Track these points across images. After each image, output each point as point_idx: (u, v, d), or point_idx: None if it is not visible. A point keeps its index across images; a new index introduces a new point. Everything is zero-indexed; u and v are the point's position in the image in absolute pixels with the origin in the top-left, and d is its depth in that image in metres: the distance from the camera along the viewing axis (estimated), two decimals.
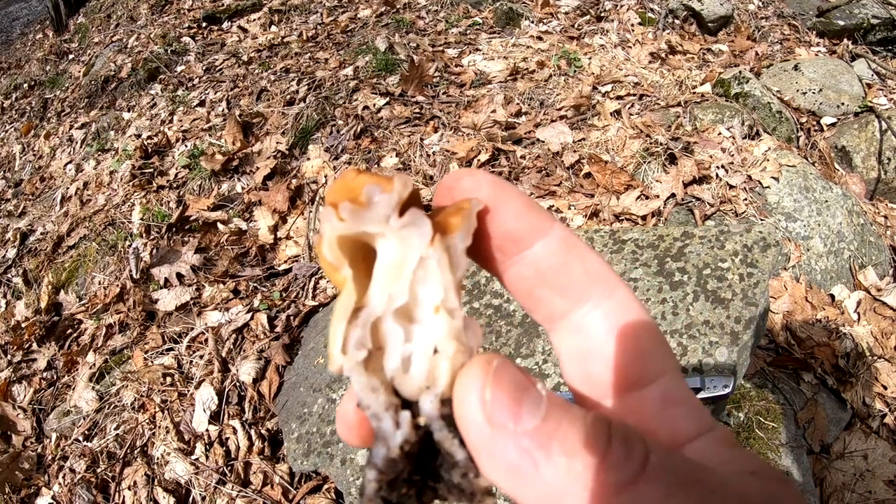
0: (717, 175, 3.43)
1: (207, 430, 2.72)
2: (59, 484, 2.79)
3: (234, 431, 2.69)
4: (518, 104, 4.03)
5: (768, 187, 3.43)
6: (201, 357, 2.99)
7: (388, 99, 4.25)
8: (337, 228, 0.39)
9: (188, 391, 2.88)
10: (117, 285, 3.47)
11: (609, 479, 0.33)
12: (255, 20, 6.13)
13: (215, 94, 4.94)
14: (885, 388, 2.95)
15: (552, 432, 0.34)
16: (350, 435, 0.43)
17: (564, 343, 0.45)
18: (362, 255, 0.42)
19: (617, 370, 0.43)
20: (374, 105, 4.21)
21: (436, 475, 0.40)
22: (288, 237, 3.49)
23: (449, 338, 0.39)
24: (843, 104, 4.27)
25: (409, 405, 0.40)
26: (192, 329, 3.14)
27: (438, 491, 0.40)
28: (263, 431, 2.69)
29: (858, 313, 3.21)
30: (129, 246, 3.60)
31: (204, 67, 5.48)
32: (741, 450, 0.42)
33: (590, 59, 4.51)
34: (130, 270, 3.48)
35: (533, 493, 0.35)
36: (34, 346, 3.48)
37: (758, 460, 0.41)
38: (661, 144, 3.53)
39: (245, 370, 2.84)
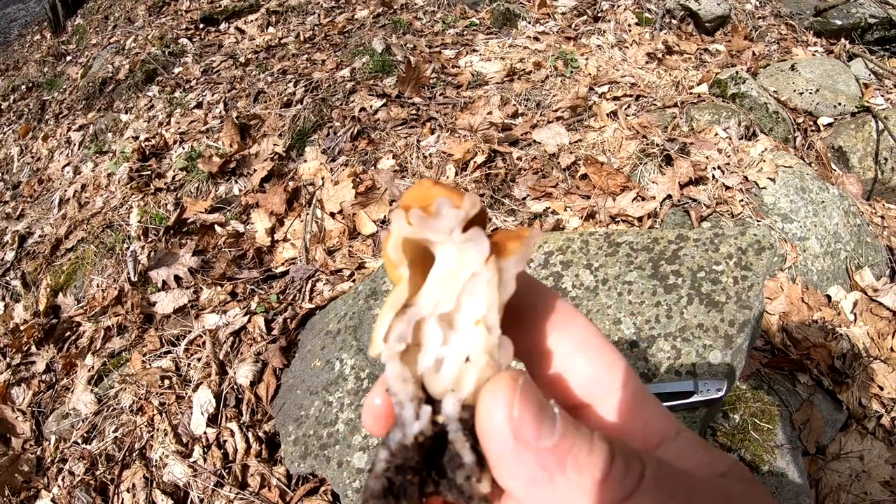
0: (713, 176, 3.44)
1: (205, 433, 2.73)
2: (59, 486, 2.79)
3: (232, 434, 2.69)
4: (515, 105, 4.03)
5: (765, 188, 3.43)
6: (199, 360, 3.00)
7: (384, 100, 4.26)
8: (404, 231, 0.42)
9: (186, 394, 2.88)
10: (115, 288, 3.47)
11: (611, 494, 0.38)
12: (252, 21, 6.12)
13: (212, 95, 4.95)
14: (882, 388, 2.95)
15: (567, 450, 0.38)
16: (375, 425, 0.47)
17: (539, 371, 0.49)
18: (421, 260, 0.45)
19: (590, 382, 0.47)
20: (371, 107, 4.21)
21: (441, 471, 0.42)
22: (285, 239, 3.50)
23: (482, 350, 0.42)
24: (839, 104, 4.27)
25: (433, 403, 0.43)
26: (190, 332, 3.15)
27: (440, 487, 0.42)
28: (261, 434, 2.69)
29: (855, 314, 3.21)
30: (127, 248, 3.61)
31: (201, 69, 5.48)
32: (713, 450, 0.46)
33: (587, 59, 4.51)
34: (128, 273, 3.49)
35: (546, 502, 0.39)
36: (33, 348, 3.48)
37: (729, 460, 0.46)
38: (658, 145, 3.53)
39: (242, 373, 2.84)
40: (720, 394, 1.85)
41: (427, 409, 0.42)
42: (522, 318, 0.48)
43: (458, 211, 0.42)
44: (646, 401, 0.47)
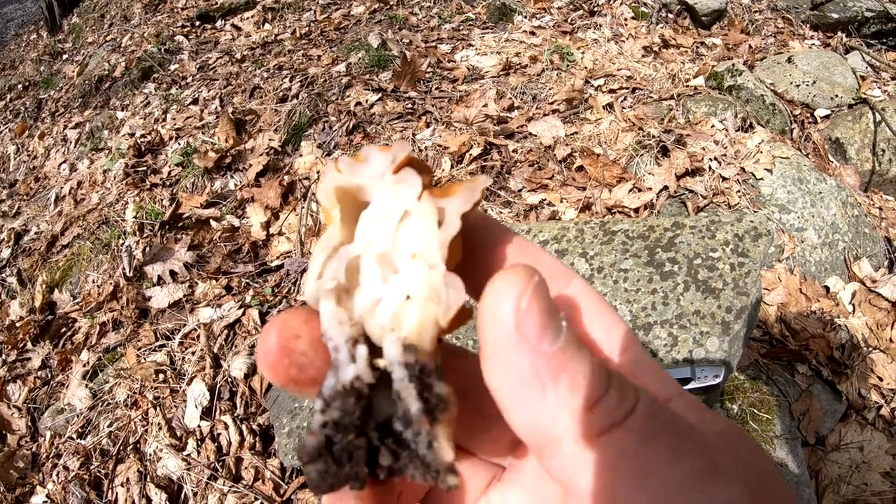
0: (710, 167, 3.43)
1: (199, 426, 2.72)
2: (54, 482, 2.79)
3: (226, 427, 2.68)
4: (510, 99, 4.02)
5: (762, 179, 3.42)
6: (193, 353, 2.98)
7: (380, 95, 4.25)
8: (335, 179, 0.41)
9: (180, 387, 2.87)
10: (111, 283, 3.46)
11: (598, 421, 0.36)
12: (248, 18, 6.12)
13: (209, 92, 4.94)
14: (881, 379, 2.94)
15: (565, 363, 0.36)
16: (272, 372, 0.41)
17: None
18: (359, 214, 0.43)
19: (590, 344, 0.44)
20: (367, 101, 4.20)
21: (398, 438, 0.39)
22: (280, 233, 3.49)
23: (423, 285, 0.39)
24: (836, 96, 4.26)
25: (374, 349, 0.40)
26: (185, 326, 3.14)
27: (399, 461, 0.39)
28: (255, 426, 2.68)
29: (853, 305, 3.20)
30: (123, 244, 3.60)
31: (197, 66, 5.48)
32: (710, 412, 0.43)
33: (583, 53, 4.51)
34: (124, 268, 3.48)
35: (529, 411, 0.36)
36: (29, 345, 3.47)
37: (725, 421, 0.43)
38: (654, 137, 3.52)
39: (237, 366, 2.83)
40: (718, 380, 1.84)
41: (363, 349, 0.39)
42: (479, 261, 0.46)
43: (386, 154, 0.41)
44: (649, 367, 0.45)
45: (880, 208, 3.86)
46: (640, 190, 3.29)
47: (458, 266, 0.41)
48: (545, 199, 3.27)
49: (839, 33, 5.13)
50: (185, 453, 2.65)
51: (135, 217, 3.73)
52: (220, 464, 2.58)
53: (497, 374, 0.37)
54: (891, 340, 3.06)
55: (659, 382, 0.44)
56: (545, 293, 0.37)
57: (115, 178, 4.25)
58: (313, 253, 0.42)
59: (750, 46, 4.93)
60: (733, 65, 4.22)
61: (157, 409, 2.82)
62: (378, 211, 0.41)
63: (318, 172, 3.70)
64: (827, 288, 3.25)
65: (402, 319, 0.39)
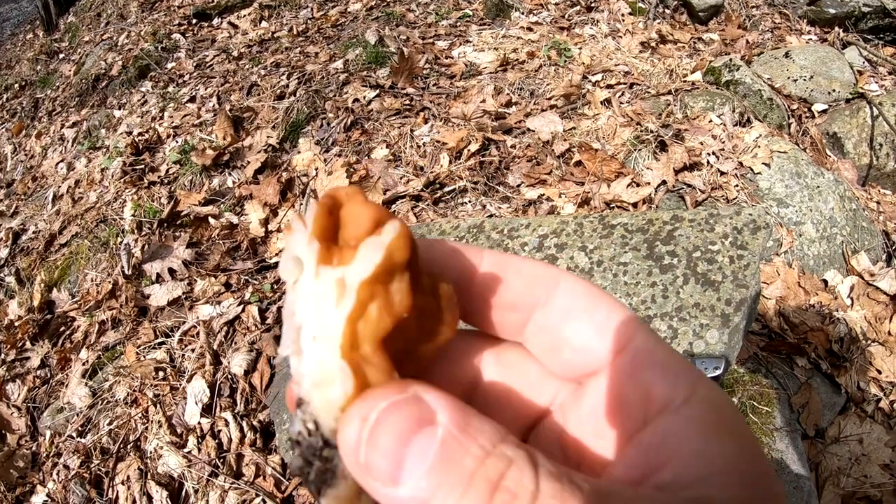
0: (708, 162, 3.43)
1: (199, 423, 2.72)
2: (54, 481, 2.78)
3: (226, 424, 2.68)
4: (508, 94, 4.02)
5: (760, 173, 3.42)
6: (193, 350, 2.98)
7: (378, 91, 4.25)
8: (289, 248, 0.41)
9: (180, 385, 2.87)
10: (109, 282, 3.46)
11: None
12: (245, 16, 6.12)
13: (206, 89, 4.94)
14: (880, 372, 2.95)
15: (427, 499, 0.31)
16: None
17: (536, 346, 0.45)
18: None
19: (582, 351, 0.42)
20: (365, 97, 4.20)
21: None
22: (279, 230, 3.49)
23: (315, 371, 0.38)
24: (834, 91, 4.27)
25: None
26: (184, 323, 3.13)
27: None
28: (255, 423, 2.68)
29: (852, 298, 3.21)
30: (121, 242, 3.60)
31: (194, 64, 5.47)
32: (719, 425, 0.37)
33: (580, 49, 4.51)
34: (122, 267, 3.48)
35: None
36: (27, 344, 3.46)
37: (733, 448, 0.36)
38: (652, 132, 3.52)
39: (237, 362, 2.83)
40: (718, 372, 1.84)
41: (299, 414, 0.39)
42: (463, 292, 0.44)
43: (301, 225, 0.40)
44: (647, 364, 0.40)
45: (878, 202, 3.87)
46: (638, 184, 3.29)
47: (437, 302, 0.40)
48: (544, 194, 3.27)
49: (836, 28, 5.14)
50: (185, 450, 2.65)
51: (133, 215, 3.72)
52: (221, 461, 2.58)
53: None
54: (889, 333, 3.07)
55: (663, 382, 0.39)
56: (395, 423, 0.32)
57: (112, 176, 4.25)
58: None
59: (747, 42, 4.93)
60: (731, 60, 4.23)
61: (158, 406, 2.82)
62: (300, 283, 0.40)
63: (315, 169, 3.70)
64: (825, 281, 3.25)
65: (310, 398, 0.38)
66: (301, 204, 3.52)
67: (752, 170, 3.43)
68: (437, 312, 0.41)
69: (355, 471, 0.34)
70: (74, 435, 2.93)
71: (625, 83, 4.07)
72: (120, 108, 5.27)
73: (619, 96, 3.95)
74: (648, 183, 3.29)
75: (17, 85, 7.07)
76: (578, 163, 3.42)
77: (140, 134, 4.53)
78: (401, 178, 3.48)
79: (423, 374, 0.43)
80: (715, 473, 0.34)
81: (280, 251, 3.38)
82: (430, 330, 0.41)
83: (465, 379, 0.47)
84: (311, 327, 0.39)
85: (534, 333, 0.44)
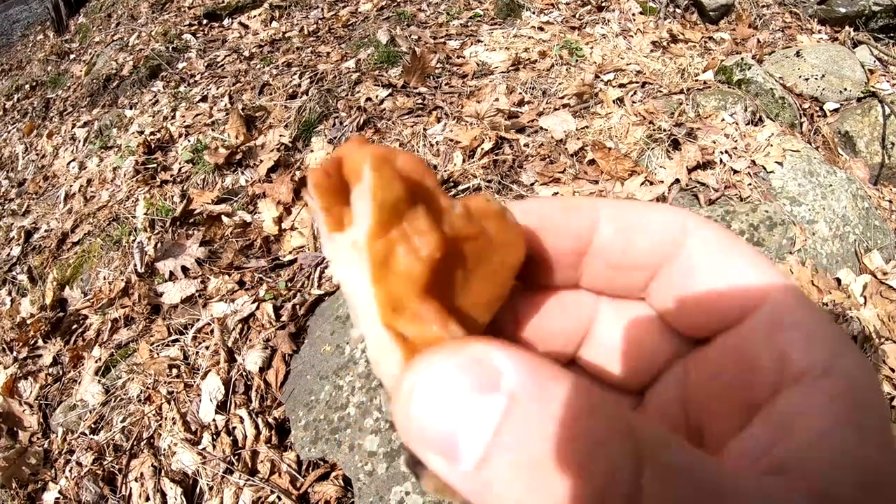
0: (721, 160, 3.43)
1: (214, 420, 2.72)
2: (66, 478, 2.79)
3: (241, 421, 2.68)
4: (520, 93, 4.03)
5: (772, 172, 3.42)
6: (207, 348, 2.99)
7: (390, 90, 4.25)
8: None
9: (194, 382, 2.87)
10: (122, 280, 3.47)
11: None
12: (255, 16, 6.13)
13: (217, 89, 4.95)
14: (893, 370, 2.94)
15: (495, 477, 0.27)
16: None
17: (660, 302, 0.41)
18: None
19: (712, 307, 0.38)
20: (377, 97, 4.20)
21: None
22: (292, 228, 3.49)
23: (374, 351, 0.35)
24: (845, 90, 4.26)
25: None
26: (198, 320, 3.14)
27: None
28: (270, 420, 2.68)
29: (865, 297, 3.20)
30: (134, 241, 3.60)
31: (205, 64, 5.48)
32: (849, 425, 0.31)
33: (591, 48, 4.51)
34: (135, 265, 3.48)
35: None
36: (40, 342, 3.47)
37: (860, 448, 0.31)
38: (665, 131, 3.52)
39: (251, 360, 2.83)
40: None
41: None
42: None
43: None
44: (786, 324, 0.35)
45: (890, 201, 3.86)
46: (651, 183, 3.29)
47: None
48: (558, 193, 3.27)
49: (847, 27, 5.13)
50: (200, 447, 2.65)
51: (145, 214, 3.73)
52: (236, 457, 2.58)
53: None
54: None
55: (802, 344, 0.34)
56: (453, 382, 0.28)
57: (125, 175, 4.26)
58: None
59: (758, 41, 4.93)
60: (742, 59, 4.23)
61: (171, 403, 2.82)
62: (331, 260, 0.38)
63: None
64: (838, 280, 3.24)
65: (380, 379, 0.36)
66: (311, 198, 3.52)
67: (764, 168, 3.42)
68: (485, 237, 0.36)
69: (417, 449, 0.29)
70: (87, 432, 2.93)
71: (637, 82, 4.07)
72: (131, 108, 5.28)
73: (632, 95, 3.95)
74: (662, 181, 3.29)
75: (27, 85, 7.09)
76: (592, 161, 3.42)
77: (152, 133, 4.54)
78: None
79: (517, 324, 0.41)
80: (837, 465, 0.30)
81: (297, 248, 3.38)
82: (488, 260, 0.36)
83: (576, 331, 0.44)
84: (357, 303, 0.36)
85: (658, 290, 0.41)
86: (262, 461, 2.57)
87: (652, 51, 4.58)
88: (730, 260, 0.38)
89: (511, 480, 0.26)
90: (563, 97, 3.94)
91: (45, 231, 4.34)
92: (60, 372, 3.32)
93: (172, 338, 3.13)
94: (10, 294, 3.97)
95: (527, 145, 3.59)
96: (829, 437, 0.30)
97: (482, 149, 3.53)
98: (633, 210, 0.41)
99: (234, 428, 2.69)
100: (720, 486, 0.27)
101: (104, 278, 3.61)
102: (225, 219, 3.61)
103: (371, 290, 0.33)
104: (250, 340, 2.96)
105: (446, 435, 0.27)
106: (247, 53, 5.40)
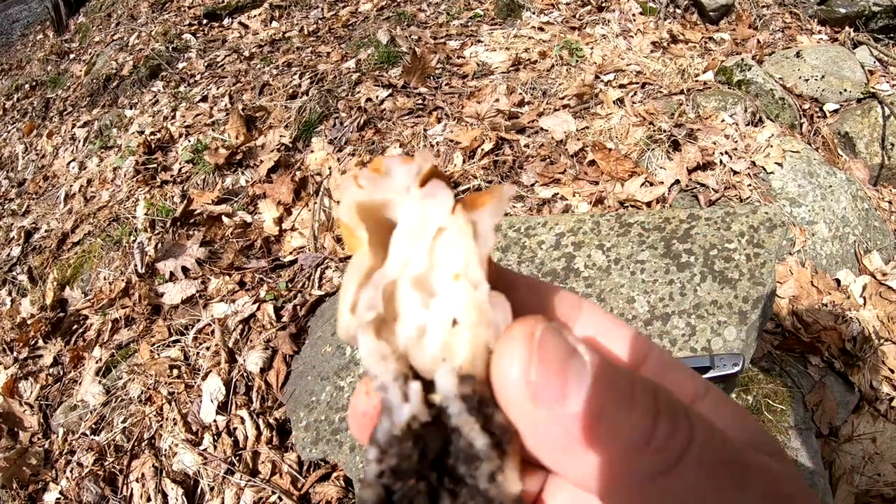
0: (720, 161, 3.43)
1: (215, 421, 2.72)
2: (67, 478, 2.79)
3: (242, 421, 2.69)
4: (521, 94, 4.03)
5: (772, 173, 3.43)
6: (208, 348, 2.99)
7: (390, 91, 4.25)
8: (356, 195, 0.38)
9: (195, 382, 2.88)
10: (122, 280, 3.47)
11: (652, 462, 0.32)
12: (255, 16, 6.13)
13: (217, 89, 4.95)
14: (893, 371, 2.94)
15: (599, 411, 0.33)
16: (364, 434, 0.39)
17: None
18: (384, 233, 0.39)
19: (622, 351, 0.44)
20: (377, 97, 4.21)
21: (454, 474, 0.35)
22: (293, 229, 3.49)
23: (470, 307, 0.35)
24: (845, 90, 4.27)
25: (424, 382, 0.36)
26: (199, 321, 3.14)
27: (459, 499, 0.34)
28: (271, 421, 2.69)
29: (864, 297, 3.21)
30: (134, 241, 3.60)
31: (206, 64, 5.48)
32: (740, 410, 0.42)
33: (591, 48, 4.51)
34: (135, 265, 3.48)
35: (578, 469, 0.34)
36: (40, 342, 3.47)
37: (755, 425, 0.42)
38: (665, 131, 3.53)
39: (252, 360, 2.84)
40: (737, 369, 1.84)
41: (416, 386, 0.35)
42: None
43: (409, 166, 0.37)
44: (672, 364, 0.43)
45: (889, 202, 3.87)
46: (652, 184, 3.29)
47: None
48: (558, 193, 3.28)
49: (847, 28, 5.13)
50: (201, 448, 2.66)
51: (146, 214, 3.73)
52: (237, 458, 2.59)
53: (535, 447, 0.35)
54: None
55: (688, 378, 0.43)
56: (554, 344, 0.34)
57: (125, 175, 4.26)
58: (343, 281, 0.38)
59: (758, 41, 4.93)
60: (742, 60, 4.23)
61: (172, 404, 2.82)
62: (409, 229, 0.38)
63: (329, 168, 3.71)
64: (838, 281, 3.25)
65: (454, 348, 0.35)
66: (314, 202, 3.52)
67: (764, 169, 3.43)
68: None
69: (518, 398, 0.34)
70: (88, 433, 2.93)
71: (637, 83, 4.08)
72: (131, 108, 5.28)
73: (632, 96, 3.95)
74: (662, 182, 3.30)
75: (27, 85, 7.09)
76: (592, 162, 3.42)
77: (152, 133, 4.54)
78: None
79: None
80: (760, 443, 0.39)
81: (298, 249, 3.38)
82: None
83: None
84: (447, 266, 0.37)
85: None
86: (263, 462, 2.57)
87: (652, 51, 4.58)
88: (616, 327, 0.45)
89: (618, 410, 0.33)
90: (563, 98, 3.95)
91: (46, 231, 4.34)
92: (61, 372, 3.32)
93: (173, 338, 3.13)
94: (10, 294, 3.97)
95: (527, 146, 3.59)
96: (747, 428, 0.41)
97: (482, 149, 3.54)
98: (545, 287, 0.47)
99: (234, 429, 2.69)
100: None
101: (104, 278, 3.62)
102: (225, 219, 3.61)
103: (476, 256, 0.36)
104: (251, 341, 2.96)
105: (560, 380, 0.33)
106: (247, 53, 5.40)
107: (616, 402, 0.33)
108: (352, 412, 0.41)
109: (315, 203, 3.51)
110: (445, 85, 4.28)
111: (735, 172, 3.39)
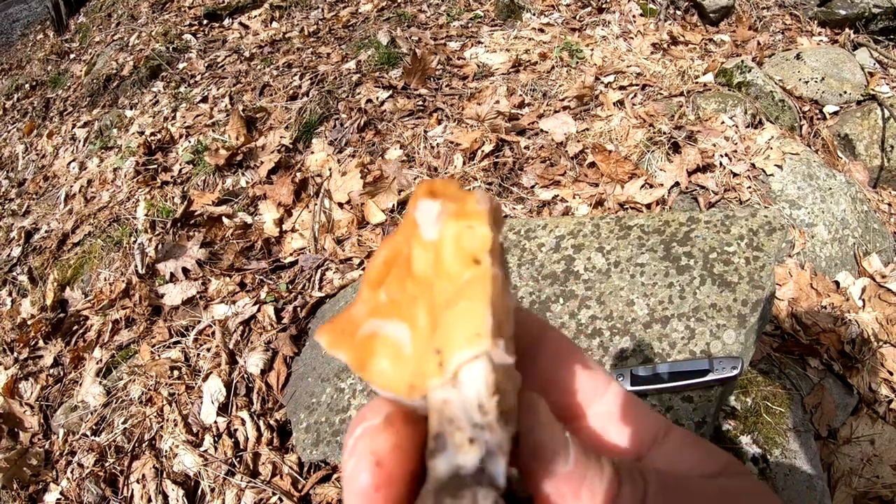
0: (720, 163, 3.44)
1: (216, 422, 2.73)
2: (68, 479, 2.79)
3: (243, 423, 2.69)
4: (521, 95, 4.03)
5: (772, 175, 3.43)
6: (208, 350, 2.99)
7: (390, 92, 4.26)
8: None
9: (196, 384, 2.88)
10: (123, 281, 3.47)
11: None
12: (255, 17, 6.13)
13: (218, 90, 4.95)
14: (892, 373, 2.95)
15: (582, 477, 0.37)
16: None
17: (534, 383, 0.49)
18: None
19: (581, 393, 0.48)
20: (377, 98, 4.21)
21: None
22: (293, 230, 3.50)
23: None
24: (845, 92, 4.27)
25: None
26: (199, 322, 3.14)
27: None
28: (272, 422, 2.69)
29: (863, 300, 3.21)
30: (134, 242, 3.61)
31: (206, 64, 5.49)
32: (704, 445, 0.47)
33: (592, 50, 4.52)
34: (136, 266, 3.49)
35: None
36: (40, 343, 3.48)
37: (723, 456, 0.47)
38: (665, 133, 3.53)
39: (253, 362, 2.84)
40: (735, 372, 1.85)
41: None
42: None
43: None
44: (634, 404, 0.48)
45: (889, 204, 3.87)
46: (651, 186, 3.30)
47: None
48: (558, 195, 3.28)
49: (847, 30, 5.13)
50: (201, 449, 2.66)
51: (146, 215, 3.74)
52: (238, 459, 2.59)
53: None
54: None
55: (650, 418, 0.48)
56: (546, 416, 0.39)
57: (125, 175, 4.26)
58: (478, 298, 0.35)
59: (758, 43, 4.94)
60: (742, 61, 4.23)
61: (173, 405, 2.83)
62: None
63: (329, 170, 3.71)
64: (837, 283, 3.26)
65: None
66: (315, 204, 3.52)
67: (764, 171, 3.44)
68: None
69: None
70: (88, 433, 2.94)
71: (637, 84, 4.08)
72: (132, 109, 5.28)
73: (632, 98, 3.96)
74: (662, 184, 3.30)
75: (27, 85, 7.09)
76: (592, 164, 3.42)
77: (152, 134, 4.55)
78: (415, 179, 3.49)
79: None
80: (723, 470, 0.46)
81: (298, 250, 3.39)
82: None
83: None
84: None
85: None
86: (263, 463, 2.58)
87: (652, 53, 4.59)
88: (578, 358, 0.49)
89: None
90: (563, 99, 3.95)
91: (46, 231, 4.34)
92: (61, 373, 3.32)
93: (173, 339, 3.14)
94: (10, 295, 3.98)
95: (527, 147, 3.60)
96: (712, 459, 0.47)
97: (483, 151, 3.54)
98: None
99: (235, 430, 2.70)
100: (674, 480, 0.43)
101: (105, 279, 3.62)
102: (226, 220, 3.61)
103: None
104: (251, 342, 2.96)
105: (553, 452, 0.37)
106: (247, 54, 5.41)
107: (594, 470, 0.38)
108: (351, 487, 0.36)
109: (315, 204, 3.51)
110: (446, 86, 4.28)
111: (735, 175, 3.40)
